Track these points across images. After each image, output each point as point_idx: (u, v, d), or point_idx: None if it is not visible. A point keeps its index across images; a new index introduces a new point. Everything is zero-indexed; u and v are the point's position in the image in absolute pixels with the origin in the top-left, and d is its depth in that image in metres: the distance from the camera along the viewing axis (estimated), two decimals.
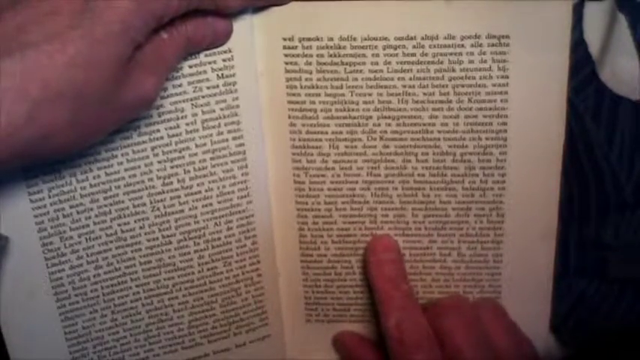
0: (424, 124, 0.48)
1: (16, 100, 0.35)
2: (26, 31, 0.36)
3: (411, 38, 0.46)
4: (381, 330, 0.49)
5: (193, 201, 0.48)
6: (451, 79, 0.47)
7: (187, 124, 0.46)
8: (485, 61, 0.46)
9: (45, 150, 0.38)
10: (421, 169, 0.49)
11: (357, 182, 0.50)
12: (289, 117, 0.48)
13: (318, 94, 0.48)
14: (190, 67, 0.45)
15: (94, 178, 0.46)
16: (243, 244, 0.50)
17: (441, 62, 0.46)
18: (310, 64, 0.47)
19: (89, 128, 0.39)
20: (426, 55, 0.46)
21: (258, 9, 0.46)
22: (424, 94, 0.47)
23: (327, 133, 0.49)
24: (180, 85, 0.45)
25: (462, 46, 0.46)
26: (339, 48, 0.46)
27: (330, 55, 0.47)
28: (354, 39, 0.46)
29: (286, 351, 0.55)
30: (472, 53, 0.46)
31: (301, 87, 0.48)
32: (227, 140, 0.48)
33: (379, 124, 0.48)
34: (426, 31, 0.46)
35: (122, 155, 0.46)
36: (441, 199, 0.50)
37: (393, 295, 0.49)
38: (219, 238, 0.50)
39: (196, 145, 0.47)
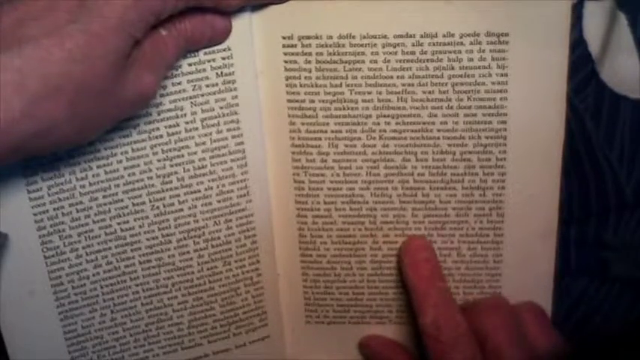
0: (423, 123, 0.48)
1: (15, 95, 0.35)
2: (24, 25, 0.36)
3: (411, 36, 0.46)
4: (418, 328, 0.48)
5: (193, 200, 0.48)
6: (450, 77, 0.47)
7: (187, 123, 0.46)
8: (484, 59, 0.46)
9: (43, 144, 0.38)
10: (421, 169, 0.49)
11: (356, 182, 0.50)
12: (289, 115, 0.48)
13: (318, 93, 0.48)
14: (189, 65, 0.45)
15: (93, 176, 0.46)
16: (242, 244, 0.50)
17: (440, 60, 0.46)
18: (309, 62, 0.47)
19: (87, 123, 0.39)
20: (425, 53, 0.46)
21: (258, 7, 0.46)
22: (423, 92, 0.47)
23: (326, 132, 0.49)
24: (179, 84, 0.46)
25: (462, 44, 0.46)
26: (339, 46, 0.47)
27: (330, 54, 0.47)
28: (354, 37, 0.46)
29: (286, 352, 0.55)
30: (471, 51, 0.46)
31: (300, 85, 0.48)
32: (226, 139, 0.48)
33: (378, 123, 0.48)
34: (425, 29, 0.46)
35: (121, 153, 0.46)
36: (441, 198, 0.50)
37: (429, 292, 0.49)
38: (218, 237, 0.50)
39: (196, 144, 0.47)
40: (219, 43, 0.45)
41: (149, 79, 0.41)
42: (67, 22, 0.36)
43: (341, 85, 0.47)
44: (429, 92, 0.47)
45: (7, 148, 0.36)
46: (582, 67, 0.49)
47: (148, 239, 0.48)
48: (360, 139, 0.49)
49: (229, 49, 0.46)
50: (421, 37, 0.46)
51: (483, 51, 0.46)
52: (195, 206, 0.49)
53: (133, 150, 0.46)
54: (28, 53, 0.35)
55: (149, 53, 0.40)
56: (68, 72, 0.36)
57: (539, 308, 0.51)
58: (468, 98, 0.47)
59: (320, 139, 0.49)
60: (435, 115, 0.48)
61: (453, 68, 0.47)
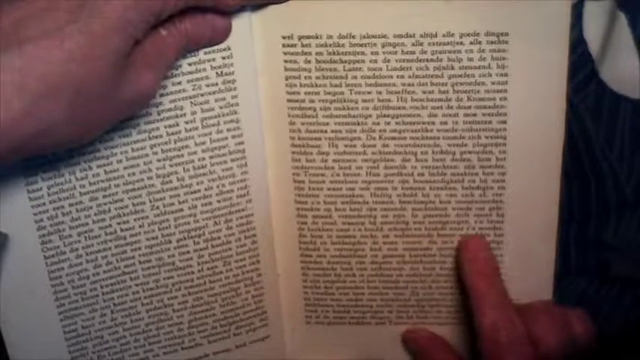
0: (423, 123, 0.48)
1: (15, 95, 0.35)
2: (24, 26, 0.36)
3: (410, 36, 0.46)
4: (475, 327, 0.48)
5: (193, 200, 0.48)
6: (450, 76, 0.47)
7: (186, 123, 0.46)
8: (484, 59, 0.46)
9: (43, 144, 0.38)
10: (421, 169, 0.49)
11: (356, 182, 0.50)
12: (289, 115, 0.48)
13: (318, 93, 0.48)
14: (189, 64, 0.45)
15: (93, 176, 0.46)
16: (242, 244, 0.50)
17: (440, 60, 0.46)
18: (309, 62, 0.47)
19: (87, 123, 0.39)
20: (425, 52, 0.46)
21: (257, 7, 0.46)
22: (423, 92, 0.47)
23: (326, 131, 0.49)
24: (179, 83, 0.46)
25: (461, 43, 0.46)
26: (338, 46, 0.47)
27: (329, 53, 0.47)
28: (353, 37, 0.46)
29: (286, 352, 0.55)
30: (471, 51, 0.46)
31: (300, 85, 0.48)
32: (226, 138, 0.48)
33: (378, 123, 0.48)
34: (425, 28, 0.46)
35: (121, 153, 0.46)
36: (441, 198, 0.50)
37: (488, 292, 0.48)
38: (218, 237, 0.50)
39: (195, 144, 0.47)
40: (219, 42, 0.45)
41: (149, 79, 0.41)
42: (67, 23, 0.36)
43: (341, 84, 0.47)
44: (429, 92, 0.47)
45: (8, 148, 0.36)
46: (582, 67, 0.49)
47: (148, 239, 0.48)
48: (360, 139, 0.49)
49: (229, 49, 0.46)
50: (421, 36, 0.46)
51: (483, 51, 0.46)
52: (195, 206, 0.49)
53: (132, 150, 0.46)
54: (28, 53, 0.35)
55: (149, 53, 0.40)
56: (68, 72, 0.36)
57: (587, 315, 0.51)
58: (468, 98, 0.47)
59: (320, 139, 0.49)
60: (435, 115, 0.48)
61: (452, 68, 0.47)
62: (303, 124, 0.49)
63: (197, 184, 0.48)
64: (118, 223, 0.48)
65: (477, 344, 0.48)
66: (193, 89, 0.46)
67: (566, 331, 0.48)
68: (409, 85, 0.47)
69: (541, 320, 0.48)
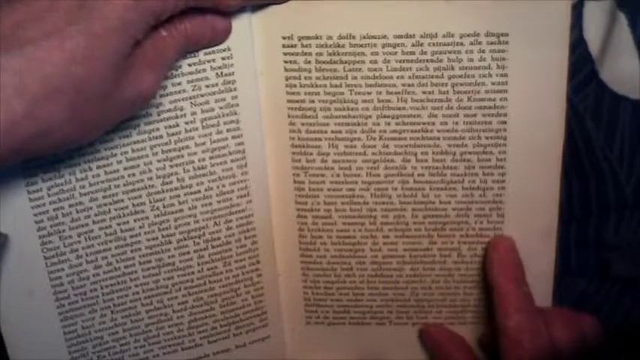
0: (423, 123, 0.48)
1: (15, 96, 0.35)
2: (25, 27, 0.36)
3: (410, 36, 0.46)
4: (497, 327, 0.48)
5: (193, 200, 0.48)
6: (450, 77, 0.47)
7: (186, 123, 0.46)
8: (484, 60, 0.46)
9: (44, 145, 0.38)
10: (421, 169, 0.49)
11: (356, 182, 0.50)
12: (289, 116, 0.48)
13: (318, 93, 0.48)
14: (189, 65, 0.45)
15: (93, 176, 0.46)
16: (242, 244, 0.50)
17: (440, 60, 0.46)
18: (309, 62, 0.47)
19: (88, 124, 0.39)
20: (425, 53, 0.46)
21: (257, 7, 0.46)
22: (423, 92, 0.47)
23: (326, 132, 0.49)
24: (179, 84, 0.45)
25: (461, 44, 0.46)
26: (339, 46, 0.46)
27: (330, 54, 0.47)
28: (353, 37, 0.46)
29: (286, 352, 0.55)
30: (471, 51, 0.46)
31: (300, 86, 0.48)
32: (226, 139, 0.48)
33: (378, 123, 0.48)
34: (425, 29, 0.46)
35: (121, 154, 0.46)
36: (441, 199, 0.50)
37: (515, 294, 0.48)
38: (218, 238, 0.50)
39: (196, 144, 0.47)
40: (219, 43, 0.45)
41: (149, 80, 0.41)
42: (67, 24, 0.36)
43: (341, 85, 0.47)
44: (429, 93, 0.47)
45: (8, 150, 0.36)
46: (582, 67, 0.49)
47: (148, 240, 0.48)
48: (360, 139, 0.49)
49: (229, 50, 0.46)
50: (421, 37, 0.46)
51: (483, 51, 0.46)
52: (196, 207, 0.49)
53: (132, 150, 0.46)
54: (28, 55, 0.35)
55: (149, 54, 0.40)
56: (68, 73, 0.36)
57: (598, 322, 0.51)
58: (468, 99, 0.47)
59: (320, 139, 0.49)
60: (435, 116, 0.48)
61: (452, 68, 0.46)
62: (303, 124, 0.49)
63: (197, 184, 0.48)
64: (118, 224, 0.48)
65: (498, 345, 0.48)
66: (193, 90, 0.46)
67: (583, 341, 0.48)
68: (409, 85, 0.47)
69: (562, 329, 0.48)
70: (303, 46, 0.47)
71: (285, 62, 0.47)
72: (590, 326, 0.50)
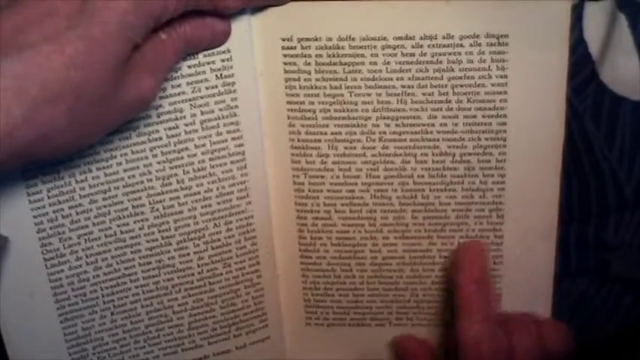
0: (423, 125, 0.48)
1: (15, 101, 0.35)
2: (24, 31, 0.36)
3: (410, 38, 0.46)
4: (456, 334, 0.48)
5: (192, 202, 0.48)
6: (450, 78, 0.47)
7: (186, 125, 0.46)
8: (484, 61, 0.46)
9: (43, 150, 0.38)
10: (420, 170, 0.49)
11: (356, 184, 0.50)
12: (288, 117, 0.48)
13: (317, 95, 0.48)
14: (189, 67, 0.45)
15: (93, 178, 0.46)
16: (242, 246, 0.50)
17: (440, 62, 0.46)
18: (309, 64, 0.47)
19: (88, 128, 0.39)
20: (425, 54, 0.46)
21: (257, 9, 0.46)
22: (423, 94, 0.47)
23: (326, 133, 0.49)
24: (179, 86, 0.45)
25: (461, 45, 0.46)
26: (338, 48, 0.46)
27: (329, 56, 0.47)
28: (353, 39, 0.46)
29: (286, 353, 0.55)
30: (471, 53, 0.46)
31: (300, 87, 0.48)
32: (226, 141, 0.47)
33: (378, 125, 0.48)
34: (424, 30, 0.46)
35: (121, 156, 0.46)
36: (441, 200, 0.50)
37: (476, 298, 0.48)
38: (218, 239, 0.50)
39: (195, 146, 0.47)
40: (219, 45, 0.45)
41: (149, 83, 0.41)
42: (66, 28, 0.36)
43: (340, 87, 0.47)
44: (429, 94, 0.47)
45: (8, 154, 0.36)
46: (582, 69, 0.49)
47: (147, 241, 0.48)
48: (359, 140, 0.49)
49: (229, 52, 0.46)
50: (421, 38, 0.46)
51: (483, 53, 0.46)
52: (195, 208, 0.49)
53: (132, 152, 0.46)
54: (27, 59, 0.35)
55: (149, 57, 0.40)
56: (68, 78, 0.36)
57: (567, 330, 0.50)
58: (468, 100, 0.47)
59: (320, 140, 0.49)
60: (435, 117, 0.48)
61: (452, 70, 0.46)
62: (302, 126, 0.48)
63: (197, 186, 0.48)
64: (118, 226, 0.48)
65: (457, 352, 0.48)
66: (193, 92, 0.46)
67: (543, 348, 0.48)
68: (409, 87, 0.47)
69: (521, 336, 0.48)
70: (302, 47, 0.47)
71: (285, 64, 0.47)
72: (553, 333, 0.49)
